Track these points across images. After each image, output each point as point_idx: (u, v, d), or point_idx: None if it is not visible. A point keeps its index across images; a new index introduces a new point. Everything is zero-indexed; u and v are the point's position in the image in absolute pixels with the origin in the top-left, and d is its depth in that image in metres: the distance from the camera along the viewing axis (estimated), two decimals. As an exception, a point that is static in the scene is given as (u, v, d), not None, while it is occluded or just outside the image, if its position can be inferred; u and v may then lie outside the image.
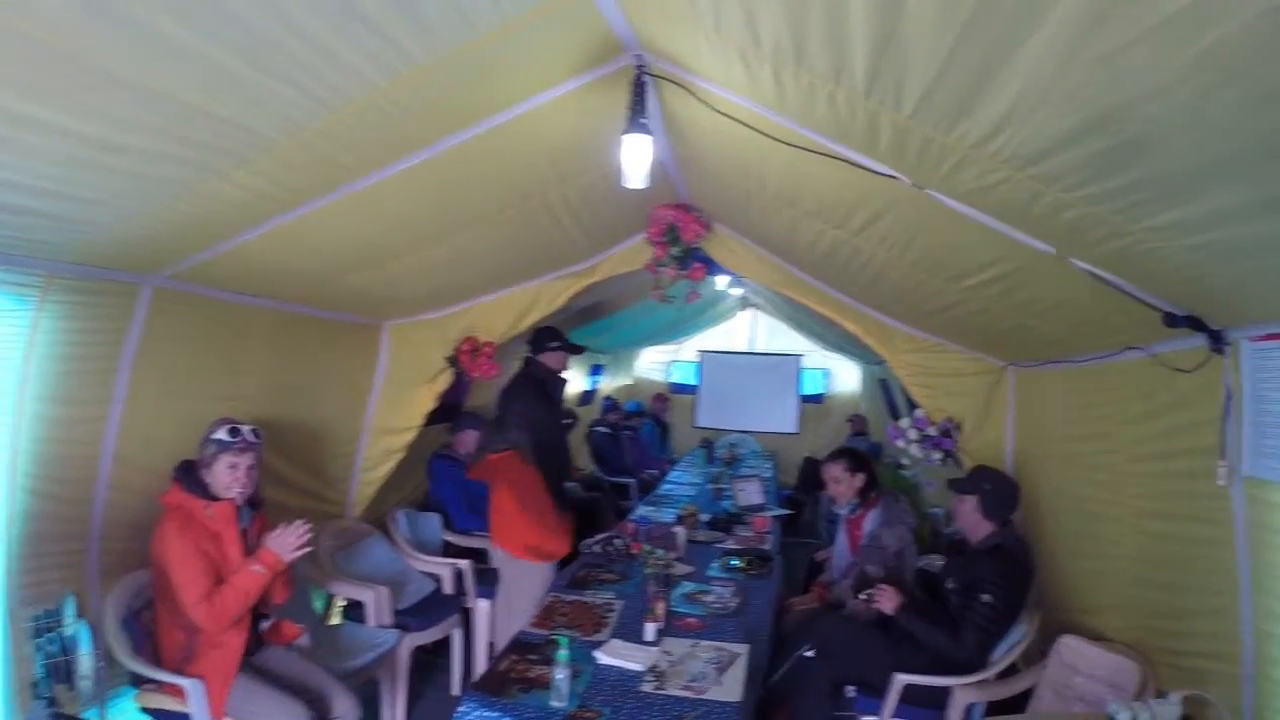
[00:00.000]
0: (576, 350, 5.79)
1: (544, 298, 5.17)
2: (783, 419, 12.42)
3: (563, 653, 2.97)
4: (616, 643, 3.46)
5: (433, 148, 2.85)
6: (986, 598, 3.59)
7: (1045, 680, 3.51)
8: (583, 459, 9.29)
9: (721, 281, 7.25)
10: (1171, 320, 2.56)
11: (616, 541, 5.00)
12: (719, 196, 4.16)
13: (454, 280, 4.66)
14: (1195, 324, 2.56)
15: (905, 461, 4.86)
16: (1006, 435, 4.65)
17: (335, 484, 5.04)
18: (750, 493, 7.18)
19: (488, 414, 5.99)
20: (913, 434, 4.74)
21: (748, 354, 12.52)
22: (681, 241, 4.62)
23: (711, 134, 3.06)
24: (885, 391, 9.95)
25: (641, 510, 6.65)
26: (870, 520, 4.80)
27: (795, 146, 2.60)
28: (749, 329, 12.55)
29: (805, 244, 3.93)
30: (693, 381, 12.71)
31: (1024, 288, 3.04)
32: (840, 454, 5.02)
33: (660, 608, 3.65)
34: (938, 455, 4.68)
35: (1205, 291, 2.41)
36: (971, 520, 3.89)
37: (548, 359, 5.51)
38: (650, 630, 3.56)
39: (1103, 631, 3.49)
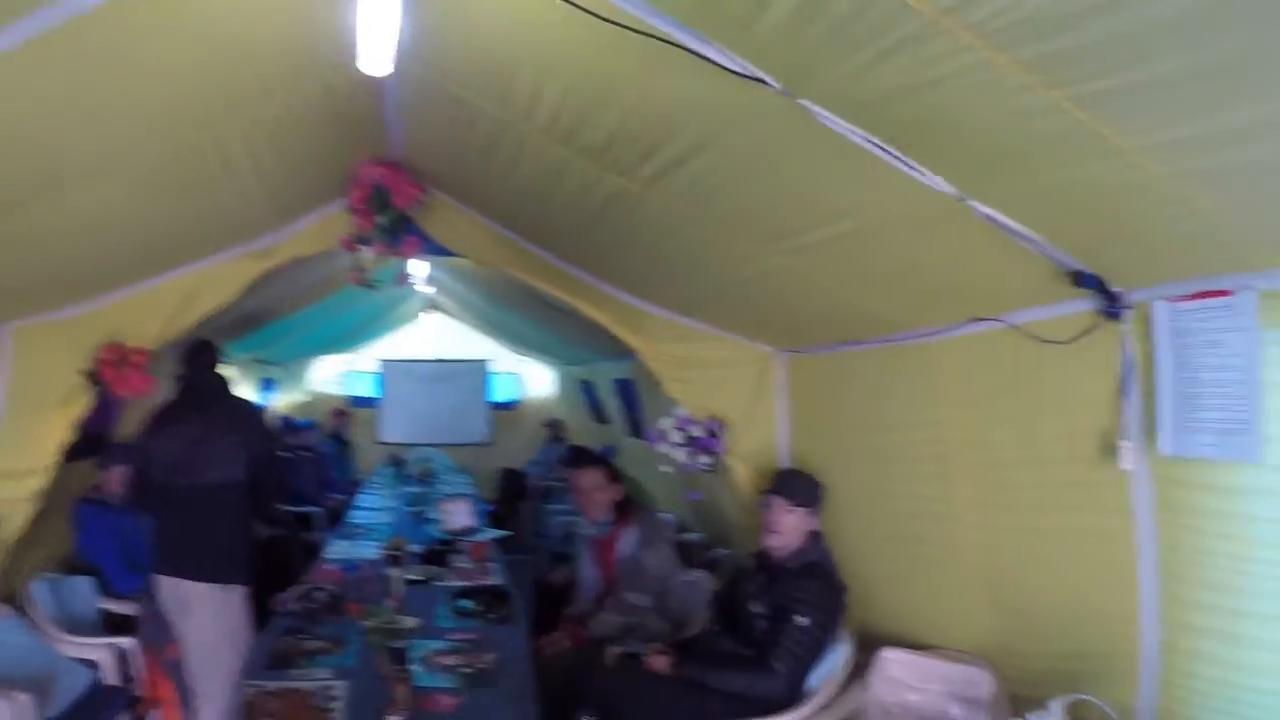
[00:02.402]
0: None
1: (210, 287, 3.95)
2: (474, 429, 11.59)
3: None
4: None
5: (30, 17, 1.74)
6: (803, 621, 3.11)
7: (871, 701, 3.05)
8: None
9: (419, 271, 6.19)
10: (1080, 280, 2.12)
11: (318, 594, 3.93)
12: (450, 143, 3.25)
13: (88, 258, 3.32)
14: (1099, 285, 2.12)
15: (664, 468, 4.22)
16: (779, 432, 4.16)
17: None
18: (459, 514, 6.25)
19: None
20: (676, 435, 4.10)
21: (433, 361, 11.51)
22: (391, 208, 3.67)
23: (483, 28, 2.19)
24: (588, 394, 9.41)
25: (336, 546, 5.53)
26: (626, 540, 4.14)
27: (632, 30, 1.79)
28: (433, 335, 11.52)
29: (564, 202, 3.16)
30: (374, 394, 11.48)
31: (874, 249, 2.48)
32: (591, 458, 4.31)
33: (402, 692, 2.71)
34: (705, 459, 4.08)
35: (1113, 246, 2.02)
36: (794, 535, 3.37)
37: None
38: (395, 726, 2.62)
39: (939, 642, 3.09)
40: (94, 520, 4.51)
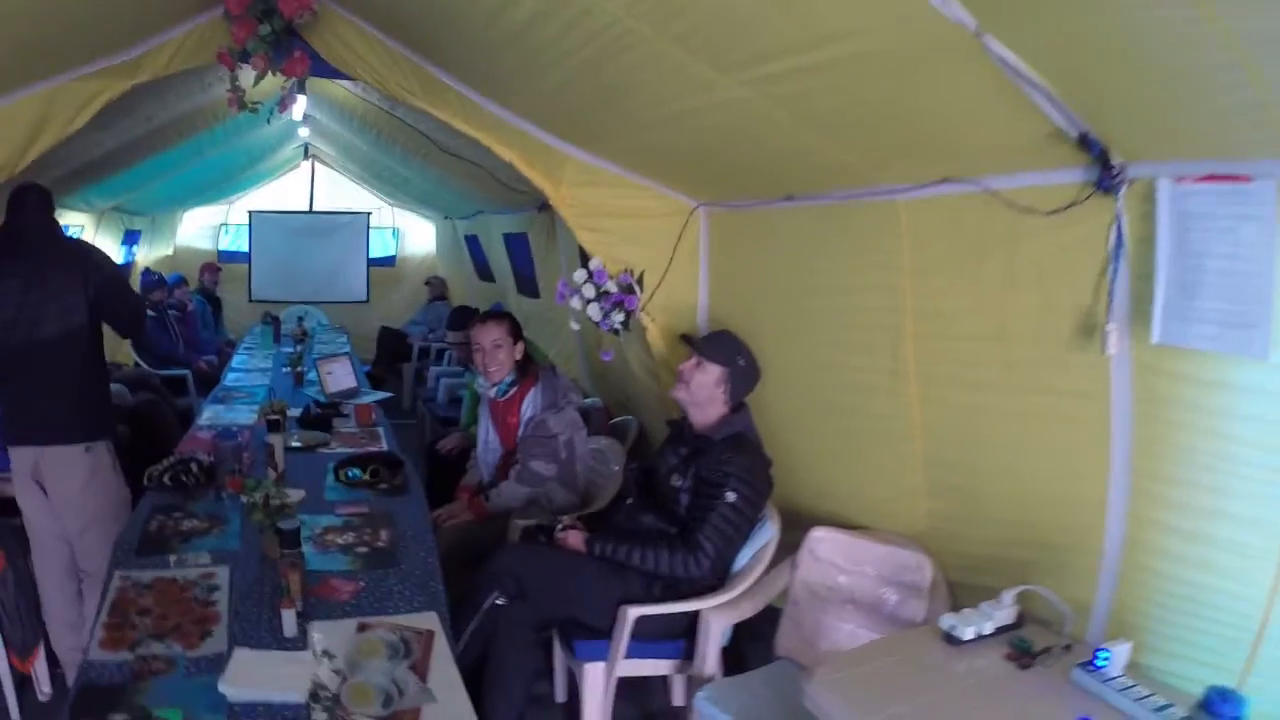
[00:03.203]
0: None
1: (58, 111, 3.33)
2: (351, 286, 11.05)
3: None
4: (245, 655, 2.17)
5: None
6: (731, 496, 2.91)
7: (798, 582, 2.93)
8: (123, 350, 7.28)
9: (298, 108, 5.47)
10: (1085, 143, 1.88)
11: (193, 465, 3.56)
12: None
13: None
14: (1101, 153, 1.90)
15: (575, 326, 3.92)
16: (700, 291, 3.91)
17: None
18: (340, 375, 5.83)
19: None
20: (589, 290, 3.79)
21: (307, 213, 10.78)
22: (277, 15, 3.16)
23: None
24: (474, 249, 8.97)
25: (209, 412, 5.10)
26: (530, 403, 3.87)
27: None
28: (307, 185, 10.75)
29: (482, 15, 2.74)
30: (245, 248, 10.71)
31: (858, 85, 2.12)
32: (496, 315, 4.00)
33: (295, 580, 2.41)
34: (619, 317, 3.80)
35: (1125, 112, 1.79)
36: (706, 397, 3.13)
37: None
38: (290, 621, 2.33)
39: (870, 523, 2.99)
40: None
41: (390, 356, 9.40)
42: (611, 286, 3.79)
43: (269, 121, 5.29)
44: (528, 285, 7.05)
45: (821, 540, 2.91)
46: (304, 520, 3.00)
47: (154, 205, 8.15)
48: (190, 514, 3.23)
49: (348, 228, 10.93)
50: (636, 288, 3.82)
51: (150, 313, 7.51)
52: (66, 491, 3.40)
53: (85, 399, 3.47)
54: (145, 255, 8.90)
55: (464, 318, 5.26)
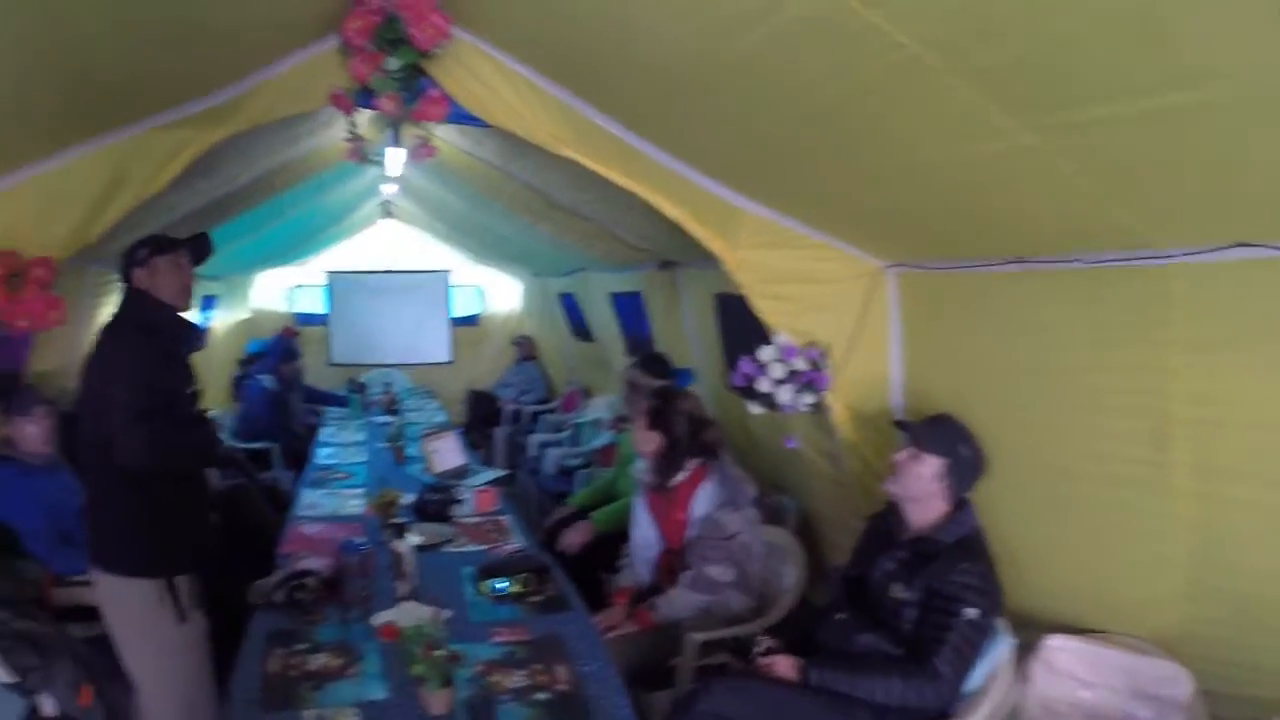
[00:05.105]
0: (201, 248, 2.96)
1: (138, 168, 2.82)
2: (434, 347, 10.55)
3: None
4: None
5: None
6: (970, 613, 2.47)
7: (1032, 698, 2.59)
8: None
9: (394, 162, 4.71)
10: None
11: (309, 581, 3.00)
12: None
13: None
14: None
15: (756, 411, 3.30)
16: (891, 365, 3.30)
17: None
18: (448, 453, 5.27)
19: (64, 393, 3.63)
20: (777, 370, 3.17)
21: (385, 273, 10.36)
22: (408, 47, 2.63)
23: None
24: (570, 308, 8.44)
25: (308, 498, 4.56)
26: (703, 498, 3.28)
27: None
28: (382, 242, 10.33)
29: (693, 51, 2.17)
30: (323, 310, 10.31)
31: (1196, 135, 1.63)
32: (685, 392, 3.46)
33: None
34: (809, 398, 3.19)
35: None
36: (924, 491, 2.67)
37: (150, 278, 2.80)
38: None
39: (1108, 626, 2.62)
40: (9, 486, 3.52)
41: (481, 421, 8.89)
42: (800, 363, 3.17)
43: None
44: (641, 347, 6.47)
45: (1058, 649, 2.58)
46: (455, 648, 2.42)
47: (228, 268, 7.73)
48: (315, 645, 2.68)
49: (427, 286, 10.48)
50: (823, 364, 3.21)
51: (264, 380, 7.12)
52: (118, 630, 2.77)
53: (118, 515, 2.75)
54: (222, 320, 8.50)
55: (662, 366, 4.55)
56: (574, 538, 4.09)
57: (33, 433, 3.57)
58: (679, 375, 4.71)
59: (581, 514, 4.33)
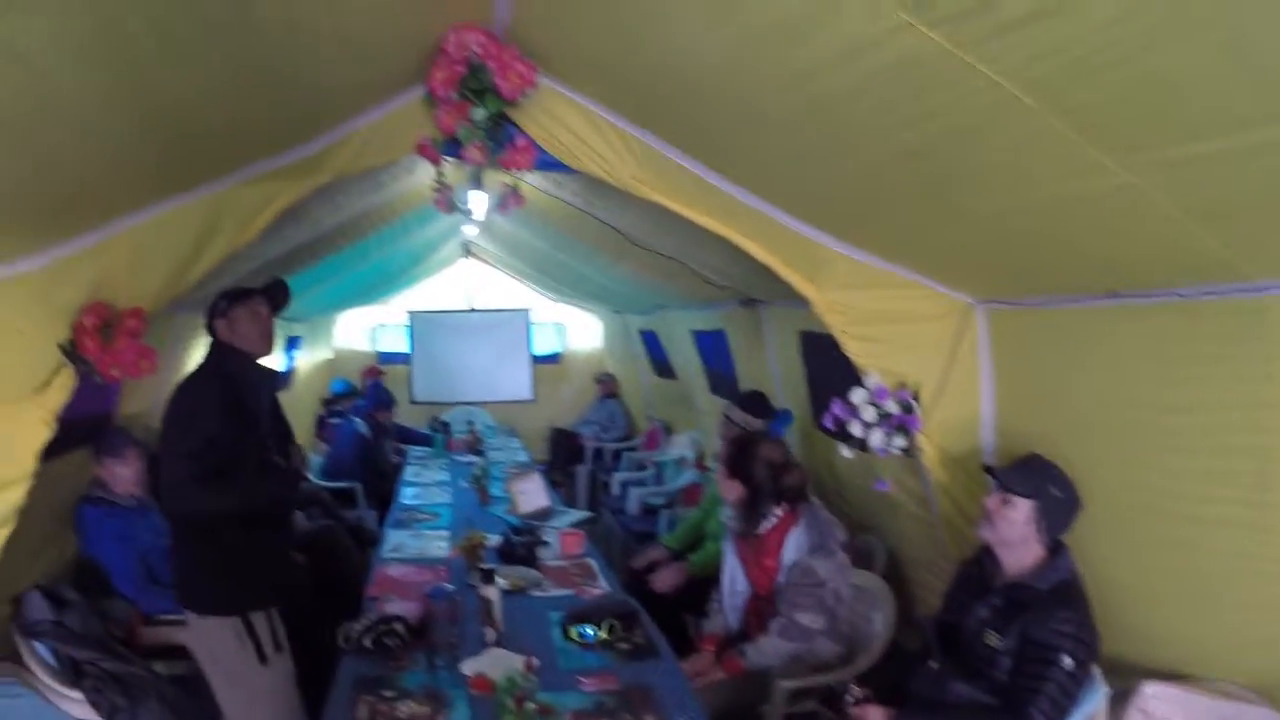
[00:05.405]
0: (278, 294, 3.12)
1: (229, 220, 2.85)
2: (515, 385, 10.61)
3: None
4: None
5: None
6: (1068, 663, 2.37)
7: None
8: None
9: (477, 205, 4.91)
10: None
11: (397, 626, 2.99)
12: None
13: (53, 167, 2.07)
14: None
15: (846, 454, 3.22)
16: (982, 405, 3.17)
17: None
18: (533, 495, 5.24)
19: (152, 434, 3.68)
20: (869, 414, 3.08)
21: (466, 312, 10.50)
22: (494, 96, 2.64)
23: None
24: (651, 345, 8.41)
25: (394, 539, 4.57)
26: (793, 544, 3.20)
27: None
28: (461, 282, 10.48)
29: (774, 86, 2.13)
30: (405, 349, 10.47)
31: None
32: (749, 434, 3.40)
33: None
34: (900, 441, 3.09)
35: None
36: (1018, 536, 2.56)
37: (230, 328, 2.95)
38: None
39: (1202, 672, 2.48)
40: (100, 526, 3.59)
41: (563, 459, 8.90)
42: (892, 405, 3.07)
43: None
44: (725, 384, 6.39)
45: (1155, 697, 2.44)
46: (544, 698, 2.38)
47: (312, 309, 7.89)
48: (402, 691, 2.65)
49: (508, 324, 10.59)
50: (915, 405, 3.11)
51: (359, 422, 7.23)
52: (206, 667, 2.86)
53: (179, 558, 2.92)
54: (306, 361, 8.67)
55: (763, 406, 4.48)
56: (668, 579, 4.06)
57: (123, 474, 3.66)
58: (779, 416, 4.64)
59: (673, 555, 4.29)
